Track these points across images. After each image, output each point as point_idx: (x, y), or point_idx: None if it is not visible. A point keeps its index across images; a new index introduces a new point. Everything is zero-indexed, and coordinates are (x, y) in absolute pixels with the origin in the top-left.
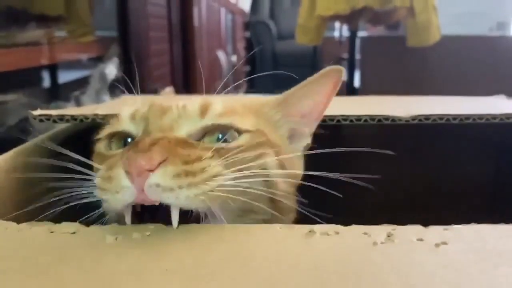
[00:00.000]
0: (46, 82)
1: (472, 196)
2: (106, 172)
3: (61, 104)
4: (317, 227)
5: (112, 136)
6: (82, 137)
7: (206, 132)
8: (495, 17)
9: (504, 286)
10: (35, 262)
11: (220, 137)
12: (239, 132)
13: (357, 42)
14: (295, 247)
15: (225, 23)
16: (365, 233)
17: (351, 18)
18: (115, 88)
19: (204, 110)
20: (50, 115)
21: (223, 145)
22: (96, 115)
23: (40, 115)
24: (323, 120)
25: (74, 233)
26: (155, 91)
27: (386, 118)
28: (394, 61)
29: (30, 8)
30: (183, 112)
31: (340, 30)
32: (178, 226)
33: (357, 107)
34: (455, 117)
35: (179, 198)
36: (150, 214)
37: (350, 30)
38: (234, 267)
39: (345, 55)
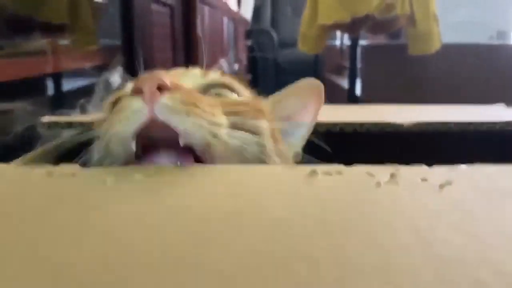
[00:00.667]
0: (51, 91)
1: None
2: (115, 107)
3: (66, 112)
4: (319, 168)
5: (113, 105)
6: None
7: (209, 89)
8: (495, 26)
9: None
10: (33, 205)
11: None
12: (239, 94)
13: (358, 51)
14: (297, 187)
15: (227, 32)
16: (368, 173)
17: (352, 27)
18: None
19: (205, 72)
20: (58, 123)
21: (227, 98)
22: None
23: (48, 123)
24: (326, 128)
25: (73, 174)
26: None
27: (388, 125)
28: (396, 69)
29: (34, 17)
30: (185, 71)
31: (342, 39)
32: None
33: (359, 115)
34: (456, 124)
35: (185, 122)
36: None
37: (351, 39)
38: (236, 208)
39: (347, 64)
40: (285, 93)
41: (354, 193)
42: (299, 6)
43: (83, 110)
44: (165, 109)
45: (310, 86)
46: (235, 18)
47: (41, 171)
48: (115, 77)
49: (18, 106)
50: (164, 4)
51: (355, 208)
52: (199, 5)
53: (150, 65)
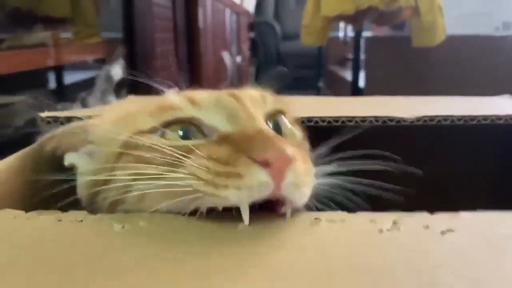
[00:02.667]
0: (52, 84)
1: (478, 198)
2: (224, 168)
3: (67, 105)
4: (322, 215)
5: (167, 125)
6: None
7: (271, 117)
8: (501, 17)
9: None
10: (43, 251)
11: (275, 123)
12: (287, 116)
13: (362, 43)
14: (301, 235)
15: (230, 24)
16: (371, 220)
17: (356, 19)
18: (120, 89)
19: (263, 96)
20: (58, 117)
21: (299, 142)
22: None
23: (47, 117)
24: (328, 122)
25: (81, 221)
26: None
27: (391, 119)
28: (399, 61)
29: (36, 10)
30: (250, 97)
31: (345, 31)
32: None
33: (362, 108)
34: (459, 118)
35: (301, 195)
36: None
37: (355, 31)
38: (241, 255)
39: (350, 56)
40: None
41: (358, 240)
42: None
43: (84, 103)
44: (292, 186)
45: None
46: (238, 11)
47: (51, 217)
48: (116, 69)
49: (19, 99)
50: None
51: (359, 255)
52: None
53: (151, 58)
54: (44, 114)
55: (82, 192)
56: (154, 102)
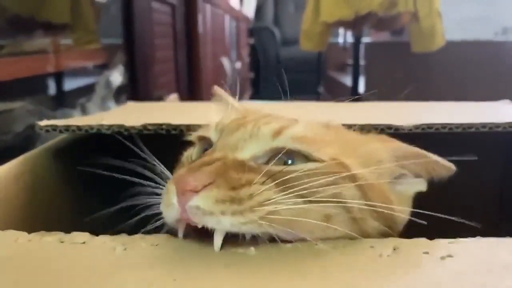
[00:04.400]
0: (52, 90)
1: (477, 206)
2: (168, 184)
3: (67, 111)
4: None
5: (201, 139)
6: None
7: (274, 155)
8: (500, 22)
9: None
10: (45, 273)
11: (288, 162)
12: (309, 159)
13: (362, 48)
14: (302, 261)
15: (229, 30)
16: (371, 247)
17: (355, 24)
18: (120, 95)
19: (278, 131)
20: (56, 126)
21: (280, 168)
22: (101, 125)
23: (46, 126)
24: None
25: (84, 243)
26: (160, 98)
27: (389, 127)
28: (399, 66)
29: (36, 16)
30: (256, 131)
31: (345, 36)
32: (220, 249)
33: (361, 115)
34: (458, 125)
35: (221, 224)
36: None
37: (354, 36)
38: (242, 278)
39: (350, 61)
40: None
41: (358, 266)
42: (301, 4)
43: (84, 110)
44: (195, 211)
45: None
46: (237, 16)
47: (53, 238)
48: (116, 75)
49: (19, 106)
50: (165, 3)
51: (358, 280)
52: (200, 3)
53: (151, 64)
54: (43, 122)
55: None
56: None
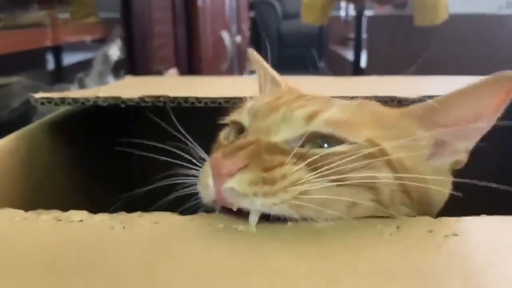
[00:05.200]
0: (50, 64)
1: (478, 188)
2: (204, 166)
3: (64, 86)
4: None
5: (234, 123)
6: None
7: (308, 139)
8: None
9: None
10: (42, 252)
11: (324, 146)
12: (344, 143)
13: (364, 22)
14: (303, 241)
15: (229, 3)
16: (374, 225)
17: None
18: (118, 70)
19: (312, 116)
20: (52, 98)
21: (312, 151)
22: (97, 97)
23: (41, 98)
24: None
25: (81, 221)
26: (159, 73)
27: (393, 99)
28: (401, 40)
29: None
30: (289, 115)
31: (346, 10)
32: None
33: (363, 88)
34: None
35: (254, 204)
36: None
37: (356, 10)
38: (241, 256)
39: (352, 35)
40: (457, 95)
41: (360, 244)
42: None
43: (82, 84)
44: (230, 193)
45: (497, 82)
46: None
47: (50, 217)
48: (114, 50)
49: (16, 80)
50: None
51: (361, 259)
52: None
53: (149, 38)
54: (39, 95)
55: None
56: None
